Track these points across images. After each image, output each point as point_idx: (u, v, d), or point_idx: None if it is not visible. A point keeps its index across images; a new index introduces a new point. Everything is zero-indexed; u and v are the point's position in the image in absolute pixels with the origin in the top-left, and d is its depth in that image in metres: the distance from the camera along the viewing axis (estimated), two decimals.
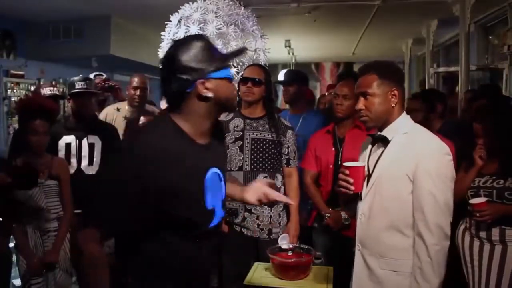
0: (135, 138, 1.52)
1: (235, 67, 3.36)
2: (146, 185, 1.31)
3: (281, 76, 3.76)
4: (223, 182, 1.52)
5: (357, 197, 1.83)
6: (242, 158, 2.54)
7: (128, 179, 1.32)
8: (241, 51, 1.69)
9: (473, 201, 2.28)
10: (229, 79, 1.43)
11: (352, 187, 1.73)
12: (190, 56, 1.36)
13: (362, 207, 1.80)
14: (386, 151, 1.76)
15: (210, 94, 1.37)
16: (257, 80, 2.52)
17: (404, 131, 1.75)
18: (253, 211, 2.53)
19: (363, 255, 1.79)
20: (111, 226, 1.41)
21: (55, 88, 3.48)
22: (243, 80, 2.57)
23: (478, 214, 2.25)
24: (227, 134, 2.57)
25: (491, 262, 2.29)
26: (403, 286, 1.68)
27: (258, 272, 2.17)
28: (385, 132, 1.77)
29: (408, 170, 1.67)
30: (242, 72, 2.83)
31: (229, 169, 2.57)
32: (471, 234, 2.39)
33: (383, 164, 1.75)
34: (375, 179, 1.75)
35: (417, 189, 1.66)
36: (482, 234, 2.33)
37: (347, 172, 1.74)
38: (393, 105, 1.75)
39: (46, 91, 3.34)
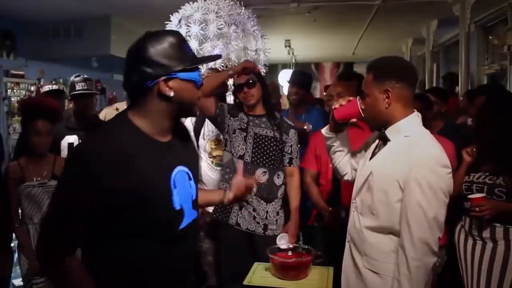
0: (87, 142, 1.43)
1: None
2: (102, 191, 1.19)
3: (289, 75, 3.73)
4: (193, 181, 1.42)
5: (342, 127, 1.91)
6: (245, 148, 2.54)
7: (75, 189, 1.20)
8: (215, 58, 1.70)
9: (472, 196, 2.28)
10: (196, 83, 1.32)
11: (337, 105, 1.80)
12: (158, 50, 1.26)
13: (356, 200, 1.74)
14: (383, 150, 1.67)
15: (171, 94, 1.27)
16: (250, 82, 2.53)
17: (407, 134, 1.62)
18: (249, 202, 2.54)
19: (351, 248, 1.75)
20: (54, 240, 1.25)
21: (55, 86, 3.50)
22: (238, 87, 2.56)
23: (477, 209, 2.24)
24: (236, 118, 2.57)
25: (482, 260, 2.30)
26: None
27: (258, 272, 2.17)
28: (388, 131, 1.67)
29: (400, 177, 1.56)
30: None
31: (231, 152, 2.57)
32: (465, 233, 2.40)
33: (377, 163, 1.67)
34: (368, 175, 1.67)
35: (406, 199, 1.55)
36: (475, 232, 2.34)
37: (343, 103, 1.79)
38: (387, 106, 1.63)
39: (45, 88, 3.36)
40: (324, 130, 1.98)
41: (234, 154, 2.56)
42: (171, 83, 1.27)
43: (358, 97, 1.76)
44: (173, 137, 1.38)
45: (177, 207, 1.32)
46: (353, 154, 1.96)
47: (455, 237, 2.48)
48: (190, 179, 1.40)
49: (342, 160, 1.96)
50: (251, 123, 2.57)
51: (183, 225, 1.34)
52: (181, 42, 1.31)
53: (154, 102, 1.29)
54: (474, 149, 2.42)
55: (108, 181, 1.18)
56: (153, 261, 1.29)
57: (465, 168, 2.43)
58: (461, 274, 2.43)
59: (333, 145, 1.96)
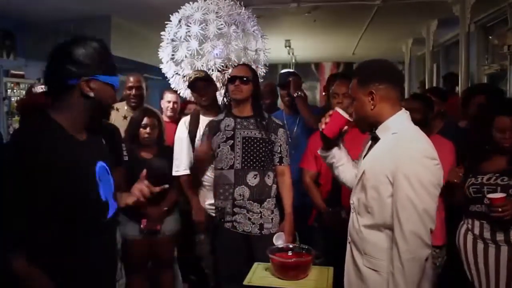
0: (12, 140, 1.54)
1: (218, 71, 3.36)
2: (35, 186, 1.30)
3: (277, 79, 3.73)
4: (110, 176, 1.55)
5: (333, 145, 1.93)
6: (233, 156, 2.55)
7: (19, 181, 1.29)
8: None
9: (492, 195, 2.19)
10: (114, 86, 1.48)
11: (323, 126, 1.85)
12: (83, 52, 1.41)
13: (353, 200, 1.78)
14: (374, 148, 1.73)
15: (91, 94, 1.41)
16: (244, 78, 2.55)
17: (395, 131, 1.67)
18: (242, 205, 2.54)
19: (351, 249, 1.78)
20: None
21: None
22: (231, 79, 2.59)
23: (500, 209, 2.15)
24: (218, 133, 2.60)
25: (499, 264, 2.23)
26: (382, 287, 1.63)
27: (258, 272, 2.17)
28: (378, 131, 1.72)
29: (388, 172, 1.60)
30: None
31: (220, 167, 2.58)
32: (474, 236, 2.33)
33: (368, 161, 1.72)
34: (361, 174, 1.72)
35: (395, 194, 1.59)
36: (487, 235, 2.27)
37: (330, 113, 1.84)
38: (372, 107, 1.69)
39: (38, 89, 3.33)
40: (319, 151, 2.02)
41: (224, 167, 2.57)
42: (92, 84, 1.41)
43: (336, 108, 1.86)
44: (89, 136, 1.53)
45: (104, 199, 1.47)
46: (356, 163, 1.95)
47: (459, 241, 2.42)
48: (108, 173, 1.54)
49: (348, 174, 1.94)
50: (238, 126, 2.57)
51: (109, 215, 1.50)
52: (104, 50, 1.47)
53: (76, 99, 1.42)
54: (461, 173, 2.40)
55: (39, 178, 1.29)
56: (82, 248, 1.40)
57: (459, 191, 2.39)
58: (470, 278, 2.36)
59: (333, 161, 1.96)
